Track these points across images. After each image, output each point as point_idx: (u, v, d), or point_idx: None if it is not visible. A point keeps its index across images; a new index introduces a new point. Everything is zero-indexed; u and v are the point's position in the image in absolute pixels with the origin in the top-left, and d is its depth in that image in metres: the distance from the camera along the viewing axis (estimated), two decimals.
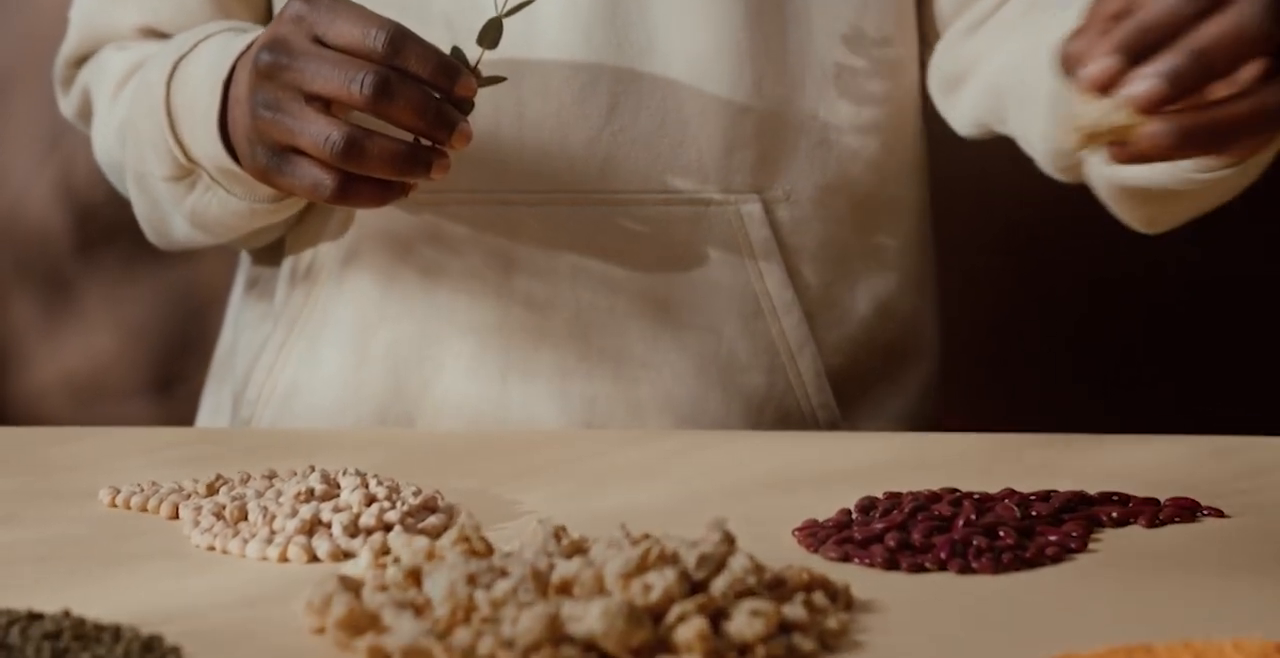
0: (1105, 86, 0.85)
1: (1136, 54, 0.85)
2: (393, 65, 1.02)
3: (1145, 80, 0.85)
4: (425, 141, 1.05)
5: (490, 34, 1.08)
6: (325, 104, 1.04)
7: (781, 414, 1.23)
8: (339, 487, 1.01)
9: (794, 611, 0.80)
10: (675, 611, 0.79)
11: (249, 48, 1.10)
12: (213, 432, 1.30)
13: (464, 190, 1.19)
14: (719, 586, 0.81)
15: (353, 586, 0.83)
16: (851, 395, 1.26)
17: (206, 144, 1.13)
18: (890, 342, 1.27)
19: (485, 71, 1.07)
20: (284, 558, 0.94)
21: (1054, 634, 0.81)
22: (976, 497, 0.98)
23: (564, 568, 0.81)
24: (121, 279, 1.93)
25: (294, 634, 0.82)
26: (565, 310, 1.21)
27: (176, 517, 1.02)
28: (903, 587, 0.88)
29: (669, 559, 0.81)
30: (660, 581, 0.79)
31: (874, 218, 1.24)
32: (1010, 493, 0.99)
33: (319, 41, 1.04)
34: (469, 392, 1.22)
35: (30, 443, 1.19)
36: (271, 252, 1.30)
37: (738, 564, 0.82)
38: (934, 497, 0.98)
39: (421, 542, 0.86)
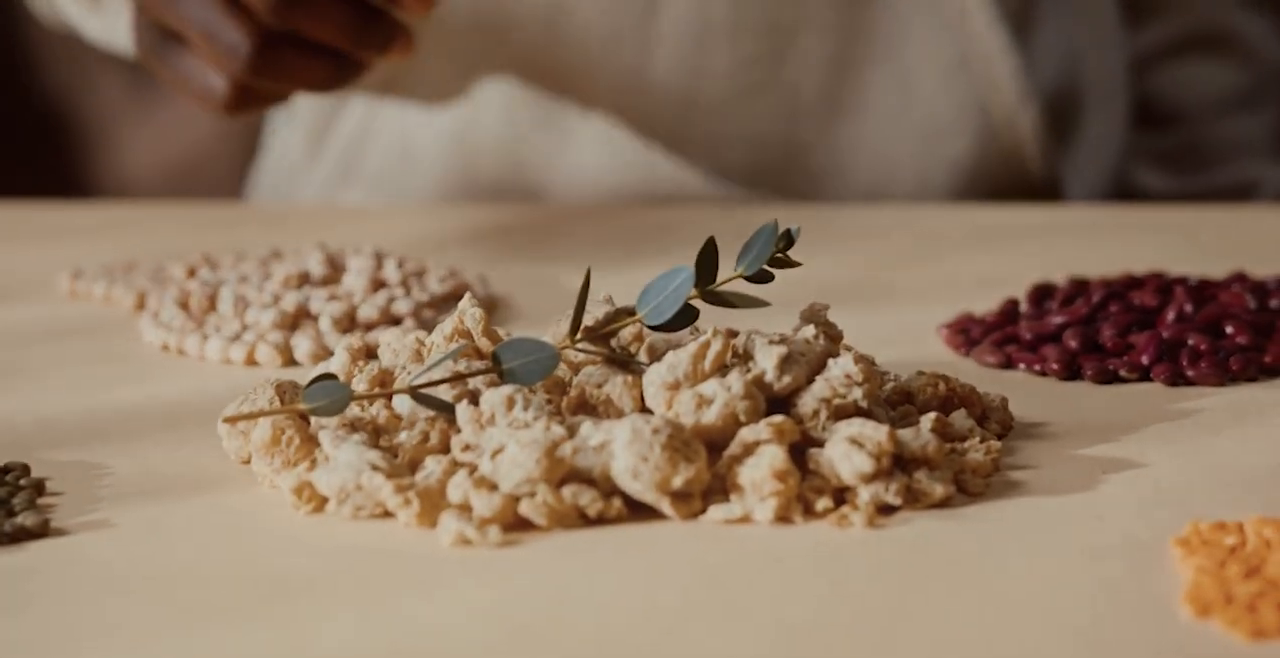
0: None
1: None
2: None
3: None
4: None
5: None
6: None
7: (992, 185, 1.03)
8: (346, 269, 0.77)
9: (919, 438, 0.55)
10: (742, 437, 0.54)
11: None
12: (248, 205, 1.09)
13: None
14: (809, 402, 0.55)
15: (296, 398, 0.58)
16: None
17: None
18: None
19: None
20: (251, 360, 0.72)
21: None
22: (1194, 283, 0.73)
23: (588, 375, 0.57)
24: None
25: (213, 465, 0.59)
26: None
27: (143, 308, 0.79)
28: (1086, 403, 0.66)
29: (738, 363, 0.56)
30: (721, 393, 0.54)
31: None
32: (1240, 278, 0.74)
33: None
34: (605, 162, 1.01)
35: (26, 218, 0.98)
36: None
37: (839, 370, 0.56)
38: (1133, 282, 0.75)
39: (410, 339, 0.62)
